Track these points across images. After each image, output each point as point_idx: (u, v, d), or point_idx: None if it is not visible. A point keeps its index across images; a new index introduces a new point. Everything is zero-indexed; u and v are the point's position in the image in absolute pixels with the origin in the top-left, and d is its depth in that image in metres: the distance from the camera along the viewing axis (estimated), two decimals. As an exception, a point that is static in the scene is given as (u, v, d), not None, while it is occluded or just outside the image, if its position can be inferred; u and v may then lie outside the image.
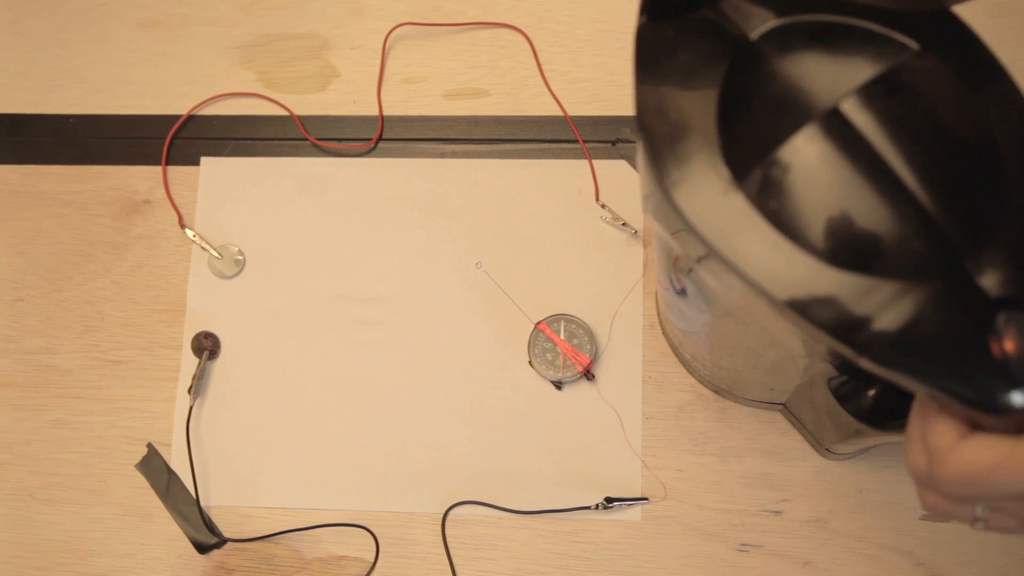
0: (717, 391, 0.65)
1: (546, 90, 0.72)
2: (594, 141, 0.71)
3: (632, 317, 0.67)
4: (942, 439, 0.34)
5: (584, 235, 0.69)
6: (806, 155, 0.35)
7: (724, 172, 0.35)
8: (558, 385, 0.66)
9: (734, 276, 0.35)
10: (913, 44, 0.36)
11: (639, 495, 0.64)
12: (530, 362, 0.67)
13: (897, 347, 0.33)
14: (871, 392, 0.49)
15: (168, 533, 0.67)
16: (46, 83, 0.77)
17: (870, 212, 0.34)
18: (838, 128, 0.35)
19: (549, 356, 0.66)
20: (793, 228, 0.34)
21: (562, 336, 0.66)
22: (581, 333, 0.66)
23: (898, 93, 0.35)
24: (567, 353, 0.66)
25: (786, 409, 0.62)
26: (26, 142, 0.76)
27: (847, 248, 0.34)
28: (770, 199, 0.35)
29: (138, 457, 0.69)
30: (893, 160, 0.34)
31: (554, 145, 0.71)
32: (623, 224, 0.68)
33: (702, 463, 0.65)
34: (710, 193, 0.35)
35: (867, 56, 0.36)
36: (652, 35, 0.38)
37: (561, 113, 0.72)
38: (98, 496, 0.68)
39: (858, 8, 0.37)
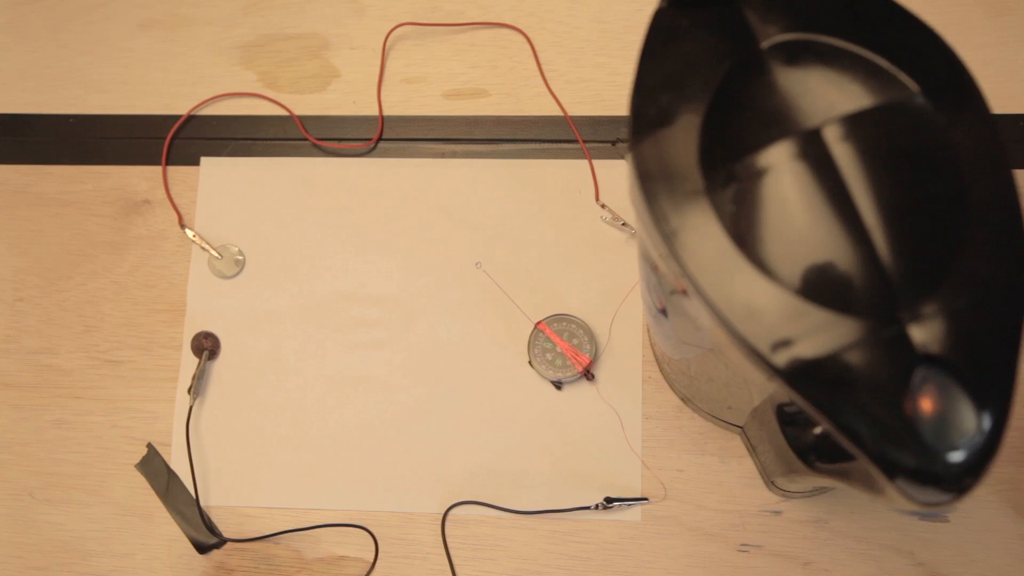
0: (682, 398, 0.65)
1: (546, 90, 0.72)
2: (594, 141, 0.71)
3: (632, 317, 0.67)
4: None
5: (584, 235, 0.69)
6: (775, 168, 0.35)
7: (695, 168, 0.35)
8: (558, 385, 0.66)
9: (679, 267, 0.35)
10: (914, 86, 0.36)
11: (639, 495, 0.64)
12: (530, 362, 0.66)
13: (812, 375, 0.32)
14: (816, 430, 0.49)
15: (168, 533, 0.67)
16: (46, 83, 0.77)
17: (820, 238, 0.34)
18: (813, 149, 0.35)
19: (549, 356, 0.66)
20: (743, 235, 0.34)
21: (562, 336, 0.66)
22: (581, 333, 0.66)
23: (882, 130, 0.35)
24: (567, 353, 0.66)
25: (744, 434, 0.62)
26: (26, 142, 0.76)
27: (789, 267, 0.34)
28: (730, 202, 0.35)
29: (138, 457, 0.69)
30: (857, 193, 0.34)
31: (554, 145, 0.71)
32: (623, 224, 0.68)
33: (702, 463, 0.64)
34: (680, 184, 0.35)
35: (866, 87, 0.36)
36: (667, 21, 0.38)
37: (561, 113, 0.72)
38: (98, 496, 0.68)
39: (876, 39, 0.37)
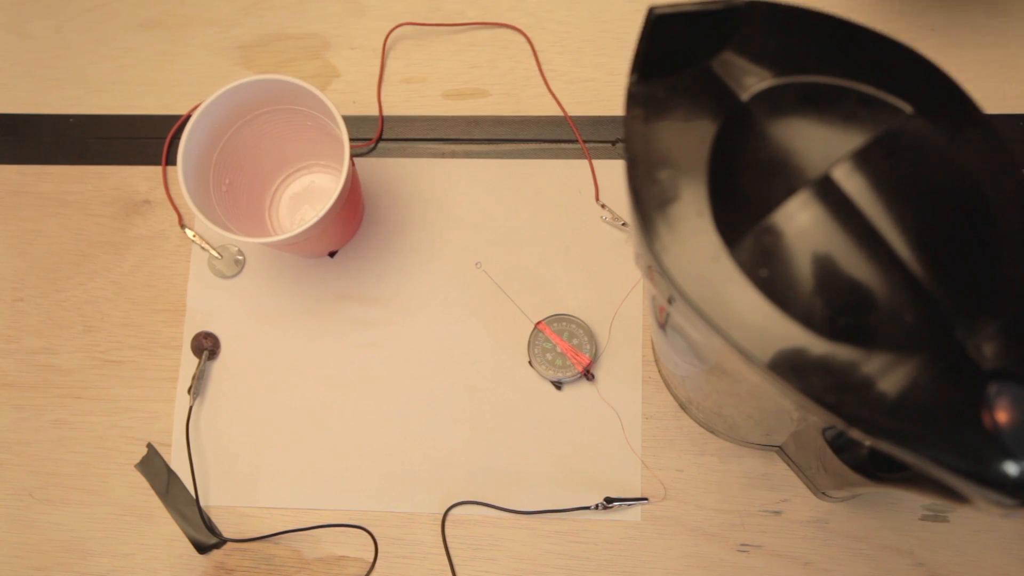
0: (712, 431, 0.64)
1: (546, 90, 0.72)
2: (594, 141, 0.71)
3: (632, 317, 0.67)
4: None
5: (584, 235, 0.69)
6: (798, 223, 0.35)
7: (715, 238, 0.35)
8: (558, 385, 0.66)
9: (726, 344, 0.34)
10: (906, 107, 0.36)
11: (639, 495, 0.64)
12: (530, 362, 0.66)
13: (888, 418, 0.32)
14: (868, 443, 0.49)
15: (168, 533, 0.67)
16: (46, 83, 0.77)
17: (861, 282, 0.34)
18: (830, 196, 0.34)
19: (549, 356, 0.66)
20: (784, 296, 0.34)
21: (562, 336, 0.66)
22: (581, 333, 0.66)
23: (890, 159, 0.35)
24: (567, 353, 0.66)
25: (782, 452, 0.62)
26: (26, 142, 0.76)
27: (838, 318, 0.34)
28: (761, 266, 0.34)
29: (138, 457, 0.69)
30: (885, 229, 0.34)
31: (554, 145, 0.71)
32: (623, 224, 0.68)
33: (702, 463, 0.64)
34: (700, 259, 0.35)
35: (860, 120, 0.36)
36: (643, 96, 0.37)
37: (561, 113, 0.72)
38: (98, 496, 0.68)
39: (853, 67, 0.36)
